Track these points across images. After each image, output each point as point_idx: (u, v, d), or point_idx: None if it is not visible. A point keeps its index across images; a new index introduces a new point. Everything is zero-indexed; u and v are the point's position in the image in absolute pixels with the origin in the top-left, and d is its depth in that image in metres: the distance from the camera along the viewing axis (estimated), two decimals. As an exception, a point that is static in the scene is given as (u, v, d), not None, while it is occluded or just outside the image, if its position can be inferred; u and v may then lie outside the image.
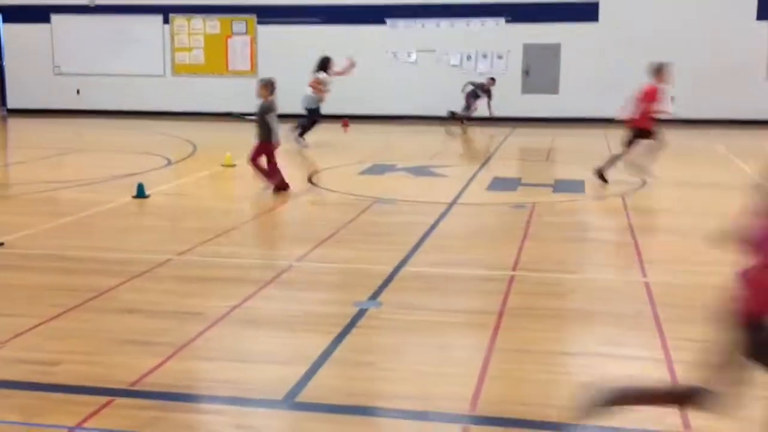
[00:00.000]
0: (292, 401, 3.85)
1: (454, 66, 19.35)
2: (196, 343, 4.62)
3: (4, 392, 3.93)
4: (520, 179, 10.56)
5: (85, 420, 3.61)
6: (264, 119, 9.44)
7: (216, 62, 20.53)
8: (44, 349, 4.51)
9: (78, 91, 21.05)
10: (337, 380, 4.11)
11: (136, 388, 3.99)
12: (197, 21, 20.45)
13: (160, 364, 4.28)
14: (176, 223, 7.99)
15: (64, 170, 11.54)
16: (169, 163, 12.13)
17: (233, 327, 4.92)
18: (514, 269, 6.16)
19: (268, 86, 9.57)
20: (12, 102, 21.43)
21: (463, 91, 17.06)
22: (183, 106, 20.45)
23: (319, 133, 16.08)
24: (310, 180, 10.44)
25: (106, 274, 6.08)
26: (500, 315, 5.07)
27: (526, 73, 19.01)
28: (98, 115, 20.30)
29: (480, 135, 16.58)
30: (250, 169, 11.61)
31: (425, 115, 19.14)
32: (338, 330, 4.81)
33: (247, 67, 20.39)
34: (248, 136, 16.40)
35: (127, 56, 20.65)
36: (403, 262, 6.37)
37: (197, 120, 19.47)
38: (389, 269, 6.15)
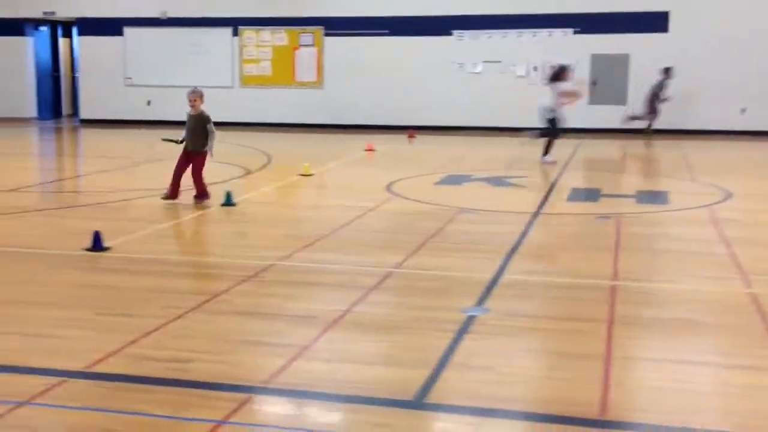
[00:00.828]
0: (422, 402, 3.96)
1: (520, 77, 19.38)
2: (317, 345, 4.76)
3: (145, 387, 4.11)
4: (599, 190, 10.56)
5: (229, 415, 3.77)
6: (205, 129, 9.61)
7: (283, 74, 20.86)
8: (173, 347, 4.70)
9: (149, 102, 21.55)
10: (461, 383, 4.21)
11: (270, 386, 4.14)
12: (265, 33, 20.82)
13: (287, 365, 4.42)
14: (268, 231, 8.18)
15: (146, 179, 11.85)
16: (248, 172, 12.37)
17: (349, 330, 5.06)
18: (614, 279, 6.21)
19: (203, 96, 9.79)
20: (85, 113, 22.01)
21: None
22: (251, 117, 20.80)
23: (386, 144, 16.27)
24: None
25: (214, 279, 6.28)
26: (610, 323, 5.12)
27: (593, 83, 18.95)
28: (168, 126, 20.72)
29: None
30: (327, 178, 11.86)
31: (491, 126, 19.21)
32: (451, 335, 4.91)
33: (314, 78, 20.68)
34: (318, 144, 16.79)
35: (197, 68, 21.07)
36: (500, 271, 6.45)
37: (264, 130, 19.79)
38: (488, 277, 6.25)
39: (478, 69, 19.62)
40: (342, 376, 4.31)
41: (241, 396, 4.00)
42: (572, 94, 13.00)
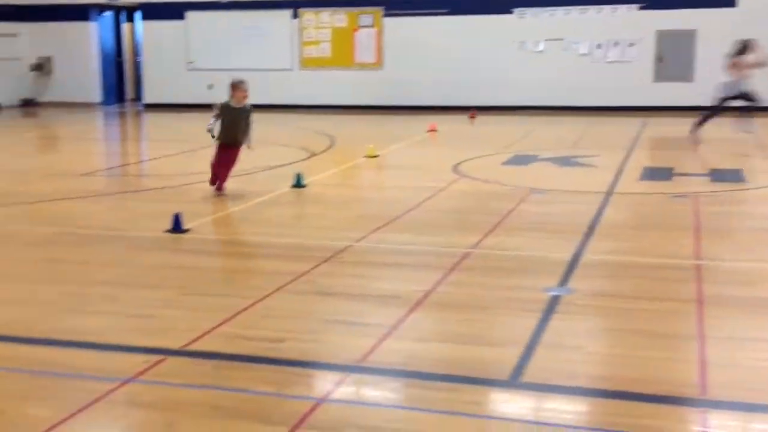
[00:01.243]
0: (519, 381, 3.97)
1: (583, 55, 19.11)
2: (405, 324, 4.79)
3: (244, 365, 4.19)
4: (672, 169, 10.39)
5: (329, 393, 3.83)
6: (248, 122, 9.11)
7: (343, 55, 20.89)
8: (264, 327, 4.78)
9: (210, 86, 21.75)
10: (555, 362, 4.21)
11: (365, 364, 4.18)
12: (325, 15, 20.85)
13: (378, 344, 4.47)
14: (340, 212, 8.23)
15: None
16: (312, 154, 12.45)
17: (434, 310, 5.08)
18: (698, 258, 6.12)
19: None
20: (148, 97, 22.35)
21: None
22: (310, 99, 20.90)
23: (448, 124, 16.21)
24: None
25: (293, 260, 6.34)
26: (700, 303, 5.06)
27: (659, 60, 18.60)
28: (229, 109, 20.94)
29: (610, 125, 16.36)
30: (393, 159, 11.87)
31: (553, 106, 19.01)
32: (538, 315, 4.90)
33: (373, 59, 20.67)
34: (380, 126, 16.79)
35: (257, 51, 21.24)
36: (580, 250, 6.41)
37: (324, 113, 19.87)
38: (567, 257, 6.21)
39: (540, 47, 19.39)
40: (434, 355, 4.34)
41: (338, 375, 4.06)
42: (758, 65, 12.88)
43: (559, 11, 19.16)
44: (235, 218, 7.95)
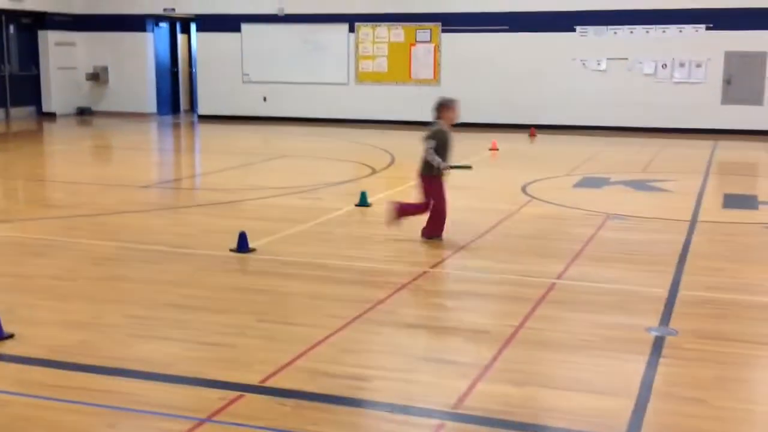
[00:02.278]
0: (639, 438, 3.55)
1: (647, 75, 18.55)
2: (498, 365, 4.40)
3: (328, 407, 3.83)
4: (756, 196, 9.86)
5: (429, 445, 3.45)
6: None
7: (399, 70, 20.58)
8: (347, 362, 4.42)
9: (265, 98, 21.63)
10: (675, 417, 3.78)
11: (461, 411, 3.80)
12: (382, 29, 20.58)
13: (473, 386, 4.08)
14: (411, 234, 7.84)
15: (276, 176, 11.72)
16: (374, 171, 12.12)
17: (527, 348, 4.68)
18: (809, 298, 5.65)
19: None
20: (203, 108, 22.26)
21: None
22: (366, 114, 20.62)
23: (507, 143, 15.80)
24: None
25: (368, 285, 5.99)
26: (824, 350, 4.59)
27: (727, 82, 17.98)
28: (283, 122, 20.79)
29: (678, 147, 15.79)
30: (458, 179, 11.46)
31: (615, 126, 18.48)
32: (644, 358, 4.48)
33: (430, 75, 20.33)
34: (455, 146, 16.20)
35: (313, 64, 21.04)
36: (675, 284, 5.96)
37: (380, 128, 19.56)
38: (662, 292, 5.77)
39: (603, 66, 18.88)
40: (535, 402, 3.94)
41: (433, 422, 3.68)
42: None
43: (623, 30, 18.64)
44: (301, 238, 7.62)
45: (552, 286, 5.93)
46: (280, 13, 21.19)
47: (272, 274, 6.28)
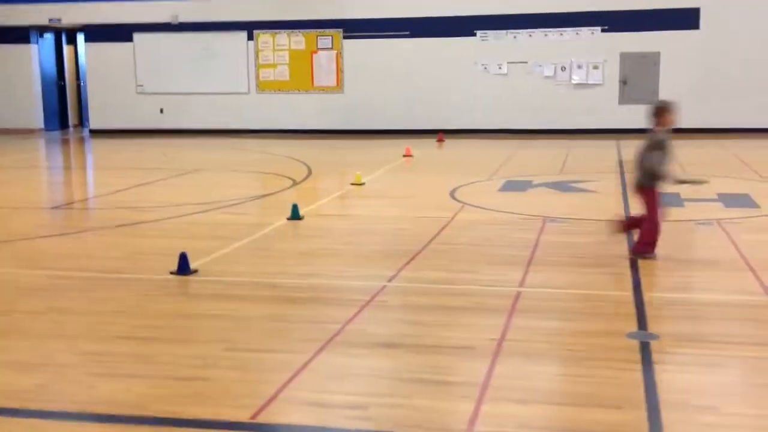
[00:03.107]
0: (667, 453, 3.44)
1: (547, 77, 18.91)
2: (495, 382, 4.22)
3: (336, 443, 3.57)
4: (678, 194, 10.07)
5: (459, 478, 3.24)
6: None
7: (301, 78, 20.28)
8: (335, 390, 4.15)
9: (161, 110, 20.90)
10: (694, 427, 3.69)
11: (478, 437, 3.61)
12: (282, 36, 20.23)
13: (477, 407, 3.89)
14: (353, 247, 7.63)
15: (191, 192, 11.23)
16: (295, 182, 11.80)
17: (517, 363, 4.52)
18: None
19: None
20: (94, 122, 21.32)
21: None
22: (268, 123, 20.22)
23: (417, 148, 15.75)
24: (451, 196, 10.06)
25: (330, 304, 5.73)
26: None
27: (623, 83, 18.53)
28: (182, 135, 20.14)
29: (584, 147, 16.11)
30: (381, 187, 11.30)
31: (518, 129, 18.74)
32: (637, 366, 4.40)
33: (333, 83, 20.12)
34: (349, 151, 15.96)
35: (211, 74, 20.49)
36: (637, 286, 5.96)
37: (283, 137, 19.22)
38: (628, 295, 5.75)
39: (504, 70, 19.13)
40: (548, 422, 3.78)
41: (455, 451, 3.47)
42: None
43: (523, 34, 18.94)
44: (240, 256, 7.27)
45: (518, 295, 5.82)
46: (173, 21, 20.54)
47: (224, 297, 5.92)
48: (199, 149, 17.17)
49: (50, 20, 21.11)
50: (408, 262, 6.82)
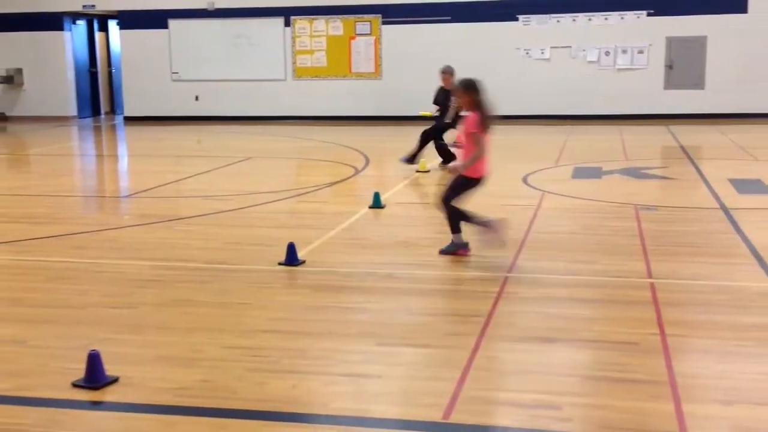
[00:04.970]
0: None
1: (591, 62, 18.65)
2: (681, 381, 4.02)
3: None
4: (760, 180, 9.88)
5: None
6: None
7: (339, 64, 20.04)
8: (515, 388, 3.97)
9: (197, 97, 20.69)
10: None
11: (694, 439, 3.43)
12: (320, 22, 19.98)
13: (678, 408, 3.70)
14: (448, 235, 7.41)
15: (256, 179, 11.04)
16: (356, 170, 11.59)
17: (694, 360, 4.34)
18: None
19: None
20: (128, 109, 21.12)
21: None
22: (306, 110, 19.99)
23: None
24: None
25: (459, 296, 5.60)
26: None
27: (669, 67, 18.26)
28: (217, 122, 19.92)
29: (637, 133, 15.88)
30: (444, 174, 11.09)
31: (562, 114, 18.50)
32: (819, 361, 4.21)
33: (372, 69, 19.88)
34: (395, 138, 15.66)
35: (247, 60, 20.25)
36: (772, 278, 5.78)
37: (320, 124, 18.98)
38: (765, 286, 5.56)
39: (546, 55, 18.87)
40: (765, 424, 3.59)
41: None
42: None
43: (566, 18, 18.66)
44: (339, 245, 7.08)
45: (652, 287, 5.62)
46: (210, 7, 20.29)
47: (346, 289, 5.74)
48: (240, 137, 16.96)
49: (84, 6, 20.87)
50: (518, 252, 6.63)
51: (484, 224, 6.40)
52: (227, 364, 4.30)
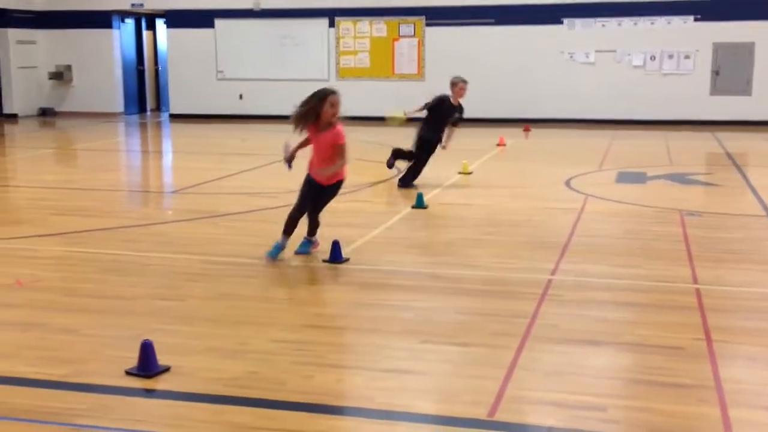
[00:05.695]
0: None
1: (636, 67, 18.51)
2: (727, 386, 4.01)
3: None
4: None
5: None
6: None
7: (382, 66, 20.12)
8: (560, 389, 3.98)
9: (241, 96, 20.92)
10: None
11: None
12: (363, 24, 20.09)
13: (725, 415, 3.69)
14: (498, 237, 7.42)
15: (298, 178, 11.11)
16: (399, 171, 11.63)
17: (739, 367, 4.32)
18: None
19: None
20: (174, 107, 21.41)
21: None
22: (348, 110, 20.02)
23: (507, 138, 15.46)
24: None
25: (504, 296, 5.59)
26: None
27: (716, 73, 18.06)
28: (261, 120, 20.10)
29: (682, 139, 15.73)
30: (490, 177, 11.13)
31: (606, 119, 18.39)
32: None
33: (414, 70, 19.93)
34: (458, 142, 15.67)
35: (291, 60, 20.43)
36: (824, 287, 5.71)
37: (363, 124, 19.04)
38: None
39: (591, 59, 18.77)
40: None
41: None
42: None
43: (611, 22, 18.55)
44: (383, 244, 7.14)
45: (698, 293, 5.60)
46: (255, 8, 20.50)
47: (391, 287, 5.80)
48: (283, 136, 17.00)
49: (132, 5, 21.22)
50: (561, 255, 6.64)
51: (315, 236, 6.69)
52: (274, 357, 4.38)
